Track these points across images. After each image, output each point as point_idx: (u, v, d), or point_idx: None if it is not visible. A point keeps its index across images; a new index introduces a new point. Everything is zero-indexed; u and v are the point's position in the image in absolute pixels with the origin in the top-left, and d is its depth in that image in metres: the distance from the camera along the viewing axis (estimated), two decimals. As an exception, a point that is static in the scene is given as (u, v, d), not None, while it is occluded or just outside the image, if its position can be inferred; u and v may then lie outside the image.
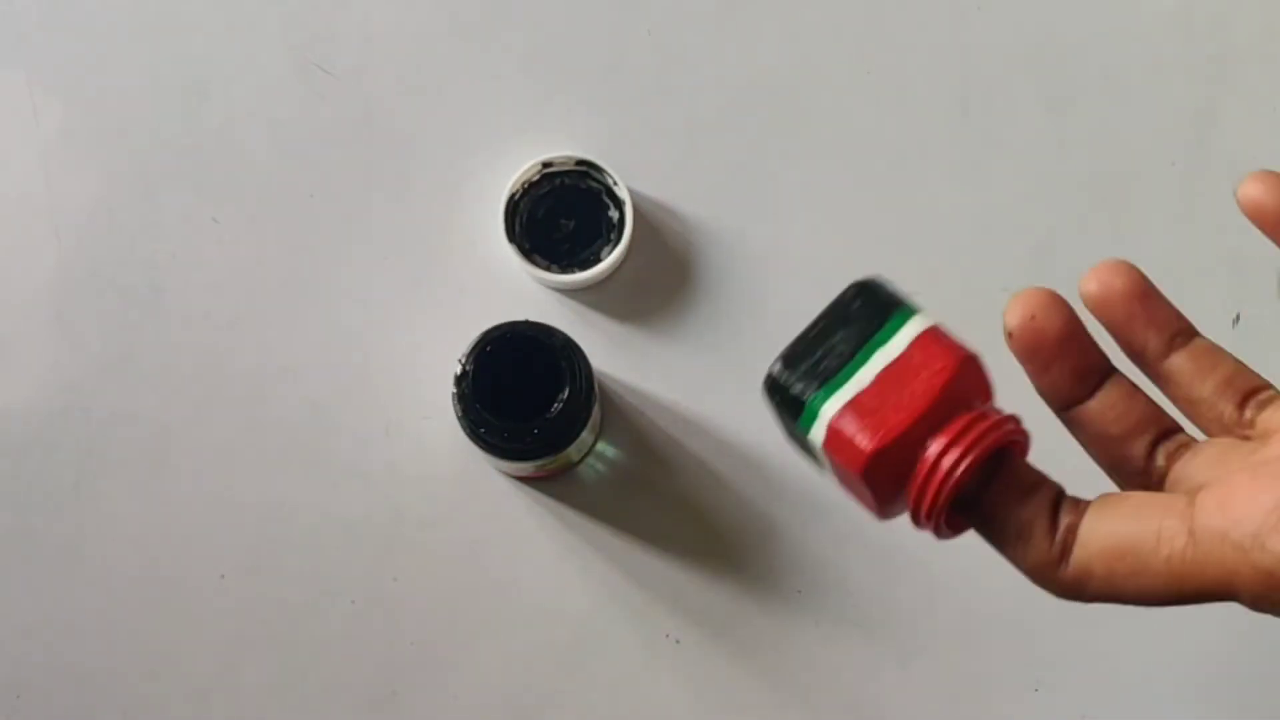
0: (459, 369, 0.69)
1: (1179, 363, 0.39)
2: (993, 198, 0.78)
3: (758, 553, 0.76)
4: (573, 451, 0.72)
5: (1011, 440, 0.38)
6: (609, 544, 0.76)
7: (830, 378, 0.37)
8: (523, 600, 0.75)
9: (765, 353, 0.79)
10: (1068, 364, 0.39)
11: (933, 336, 0.37)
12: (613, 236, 0.76)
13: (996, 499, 0.38)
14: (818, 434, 0.37)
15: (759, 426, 0.77)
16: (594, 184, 0.76)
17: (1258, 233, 0.83)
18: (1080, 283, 0.39)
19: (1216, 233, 0.77)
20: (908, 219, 0.78)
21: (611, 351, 0.76)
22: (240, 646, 0.75)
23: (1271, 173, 0.39)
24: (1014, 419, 0.38)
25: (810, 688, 0.76)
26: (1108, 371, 0.40)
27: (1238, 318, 0.75)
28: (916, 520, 0.38)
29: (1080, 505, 0.37)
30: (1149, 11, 0.79)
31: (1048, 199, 0.78)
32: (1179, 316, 0.40)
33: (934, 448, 0.36)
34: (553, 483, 0.76)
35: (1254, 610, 0.35)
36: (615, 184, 0.75)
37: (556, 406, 0.69)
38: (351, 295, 0.77)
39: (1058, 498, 0.37)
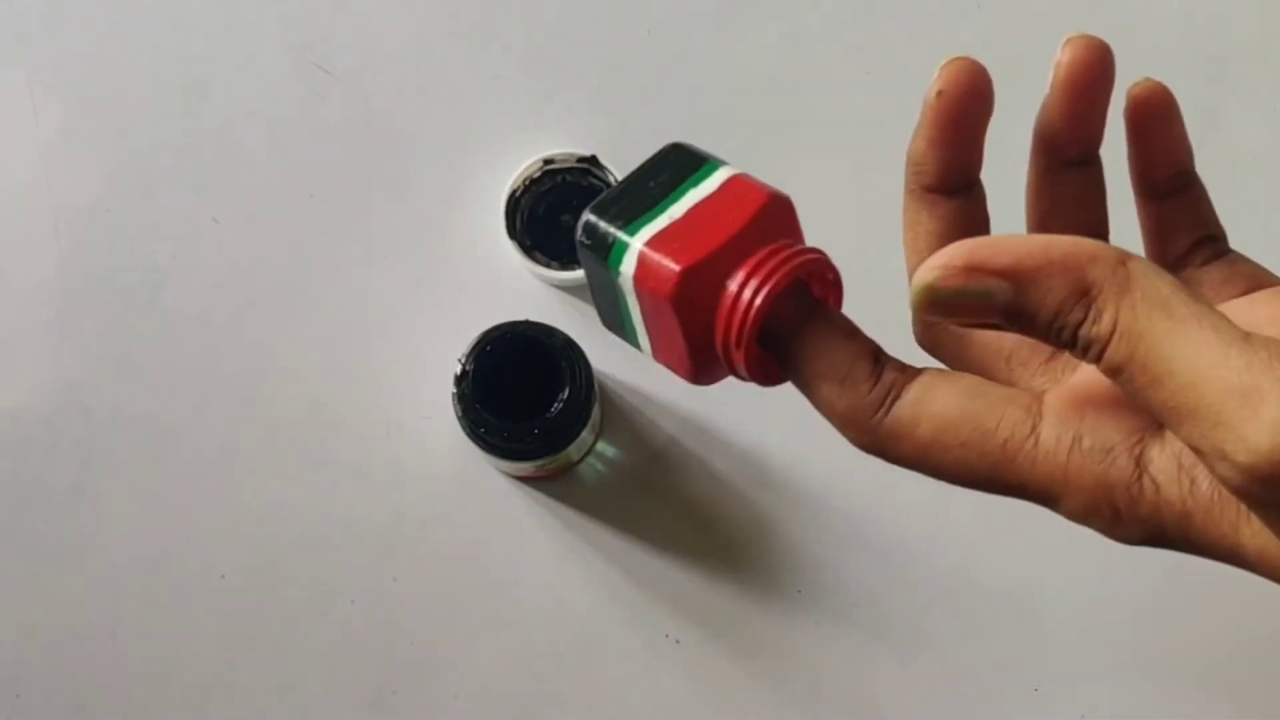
0: (459, 369, 0.69)
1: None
2: (993, 198, 0.78)
3: (758, 553, 0.76)
4: (573, 451, 0.72)
5: (825, 281, 0.38)
6: (609, 544, 0.76)
7: (642, 214, 0.37)
8: (523, 600, 0.75)
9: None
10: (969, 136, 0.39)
11: (745, 179, 0.38)
12: (613, 236, 0.76)
13: (816, 334, 0.37)
14: (628, 266, 0.37)
15: (759, 426, 0.77)
16: (595, 181, 0.76)
17: (1258, 232, 0.83)
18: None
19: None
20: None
21: (611, 351, 0.76)
22: (240, 646, 0.75)
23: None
24: (818, 250, 0.38)
25: (810, 688, 0.76)
26: (971, 183, 0.40)
27: (1238, 317, 0.75)
28: (728, 358, 0.38)
29: (908, 368, 0.36)
30: (1149, 11, 0.79)
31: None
32: None
33: (739, 274, 0.37)
34: (553, 483, 0.76)
35: (1067, 519, 0.35)
36: (616, 181, 0.75)
37: (556, 406, 0.69)
38: (351, 295, 0.77)
39: (878, 352, 0.37)
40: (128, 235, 0.77)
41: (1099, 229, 0.42)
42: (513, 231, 0.75)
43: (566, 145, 0.76)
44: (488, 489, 0.76)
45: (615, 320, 0.40)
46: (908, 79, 0.81)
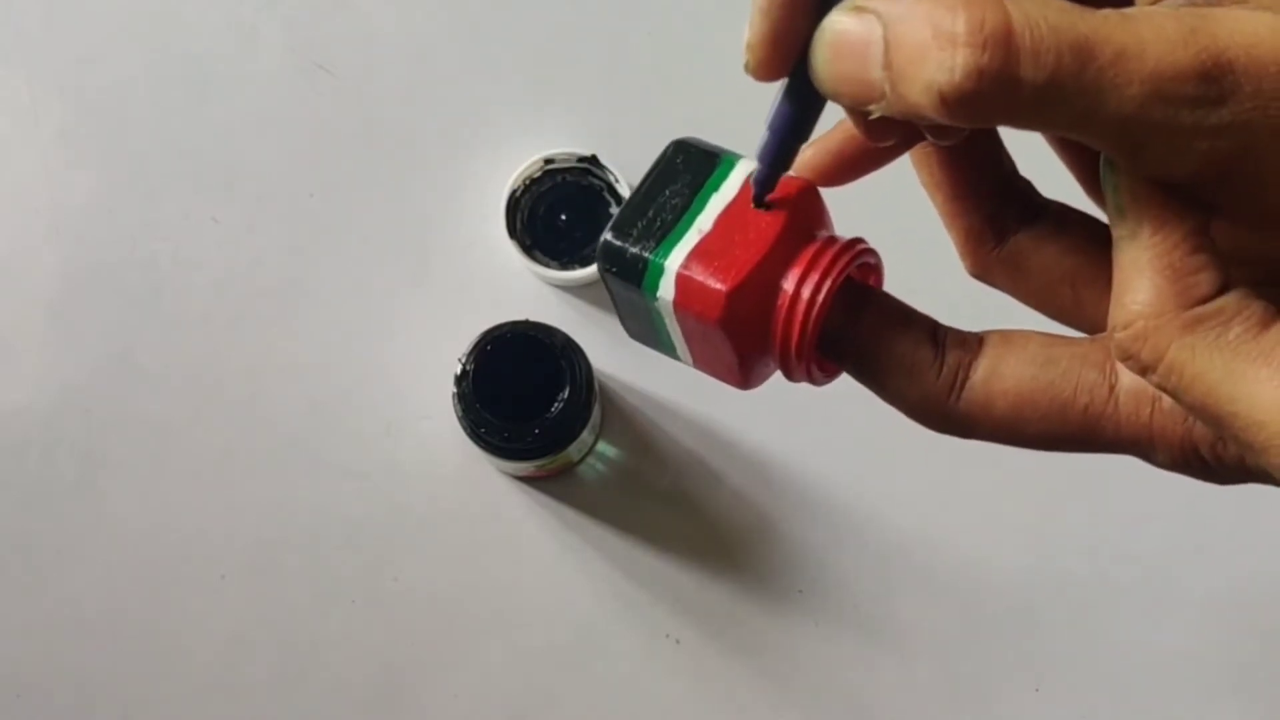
0: (459, 369, 0.69)
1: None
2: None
3: (758, 553, 0.76)
4: (573, 451, 0.72)
5: (867, 265, 0.36)
6: (609, 544, 0.76)
7: (669, 231, 0.35)
8: (523, 600, 0.75)
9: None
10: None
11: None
12: (613, 236, 0.76)
13: (871, 330, 0.36)
14: (666, 291, 0.35)
15: (760, 427, 0.77)
16: (595, 181, 0.76)
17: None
18: None
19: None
20: (908, 217, 0.78)
21: (611, 351, 0.76)
22: (240, 646, 0.75)
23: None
24: (862, 240, 0.36)
25: (810, 688, 0.76)
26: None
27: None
28: (787, 366, 0.36)
29: (969, 340, 0.35)
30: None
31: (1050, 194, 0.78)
32: None
33: (791, 279, 0.35)
34: (553, 483, 0.76)
35: (1159, 468, 0.34)
36: (616, 181, 0.75)
37: (556, 406, 0.69)
38: (352, 295, 0.77)
39: (935, 329, 0.35)
40: (128, 235, 0.77)
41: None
42: (513, 231, 0.75)
43: (566, 145, 0.76)
44: (488, 489, 0.76)
45: (649, 337, 0.37)
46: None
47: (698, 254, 0.34)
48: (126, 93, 0.79)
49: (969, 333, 0.35)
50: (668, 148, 0.36)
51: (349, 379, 0.76)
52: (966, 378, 0.34)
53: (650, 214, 0.35)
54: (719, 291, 0.34)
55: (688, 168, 0.36)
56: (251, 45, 0.79)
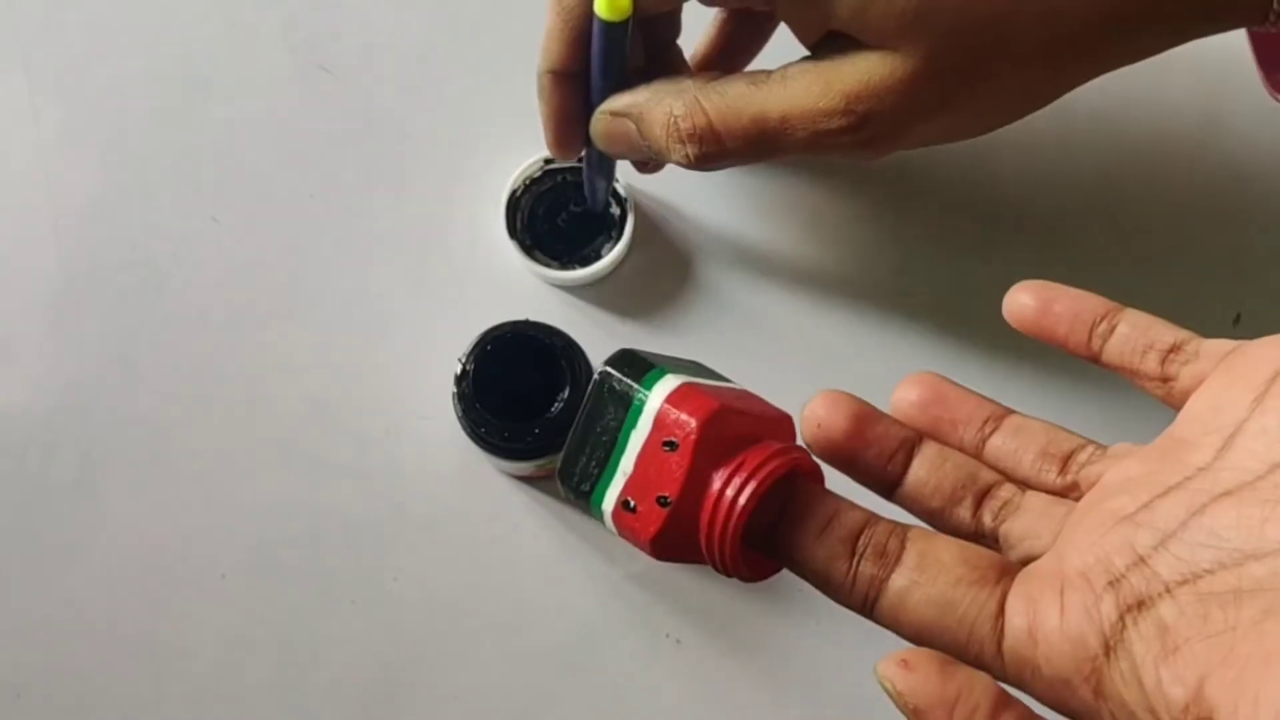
0: (459, 369, 0.69)
1: (997, 444, 0.41)
2: (994, 195, 0.78)
3: (758, 552, 0.76)
4: (573, 451, 0.72)
5: (781, 475, 0.39)
6: (609, 544, 0.76)
7: (601, 471, 0.40)
8: (523, 600, 0.75)
9: (765, 352, 0.79)
10: (867, 455, 0.41)
11: (674, 402, 0.39)
12: (614, 233, 0.76)
13: (789, 538, 0.38)
14: (609, 524, 0.41)
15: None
16: (594, 183, 0.76)
17: (1258, 232, 0.83)
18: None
19: (1216, 232, 0.77)
20: (907, 218, 0.78)
21: (612, 349, 0.76)
22: (240, 646, 0.75)
23: (1034, 283, 0.42)
24: (785, 452, 0.39)
25: (810, 688, 0.76)
26: (914, 444, 0.41)
27: (1238, 317, 0.75)
28: (723, 572, 0.40)
29: (889, 552, 0.38)
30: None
31: (1048, 198, 0.78)
32: (983, 403, 0.42)
33: (707, 507, 0.39)
34: (553, 483, 0.76)
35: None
36: (616, 180, 0.75)
37: (556, 406, 0.69)
38: (351, 295, 0.77)
39: (857, 536, 0.38)
40: (128, 235, 0.77)
41: None
42: (513, 231, 0.75)
43: (566, 145, 0.76)
44: (488, 489, 0.76)
45: (586, 510, 0.42)
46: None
47: (625, 494, 0.40)
48: (126, 93, 0.79)
49: (892, 536, 0.38)
50: (595, 377, 0.42)
51: (349, 379, 0.76)
52: (878, 595, 0.38)
53: (587, 451, 0.41)
54: (644, 541, 0.39)
55: (612, 398, 0.41)
56: (251, 45, 0.79)
